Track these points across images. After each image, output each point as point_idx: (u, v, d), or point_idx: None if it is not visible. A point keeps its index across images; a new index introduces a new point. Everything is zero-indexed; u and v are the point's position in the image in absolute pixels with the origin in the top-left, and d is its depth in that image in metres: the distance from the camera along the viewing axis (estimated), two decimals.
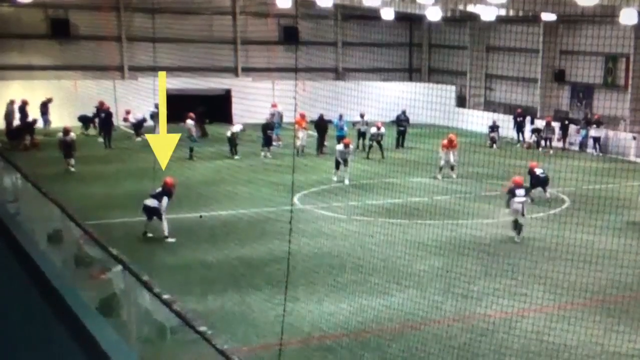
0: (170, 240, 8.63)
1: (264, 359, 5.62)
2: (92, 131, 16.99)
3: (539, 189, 10.97)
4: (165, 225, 8.67)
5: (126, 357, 1.33)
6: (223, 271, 7.72)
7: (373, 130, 14.96)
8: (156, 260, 7.55)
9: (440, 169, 13.08)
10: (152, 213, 8.69)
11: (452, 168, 13.25)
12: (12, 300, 1.94)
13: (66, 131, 12.90)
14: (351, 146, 12.89)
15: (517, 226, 8.83)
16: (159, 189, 8.81)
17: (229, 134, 14.83)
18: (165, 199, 8.72)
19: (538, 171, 11.11)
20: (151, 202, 8.69)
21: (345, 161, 12.39)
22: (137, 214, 9.26)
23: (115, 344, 1.34)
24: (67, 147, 12.77)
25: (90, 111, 17.16)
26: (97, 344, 1.33)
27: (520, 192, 8.98)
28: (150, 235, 8.76)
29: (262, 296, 6.88)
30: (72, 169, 12.75)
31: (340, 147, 12.64)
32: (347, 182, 12.25)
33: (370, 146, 14.95)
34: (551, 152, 15.84)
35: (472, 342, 5.95)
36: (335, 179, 12.48)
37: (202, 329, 4.38)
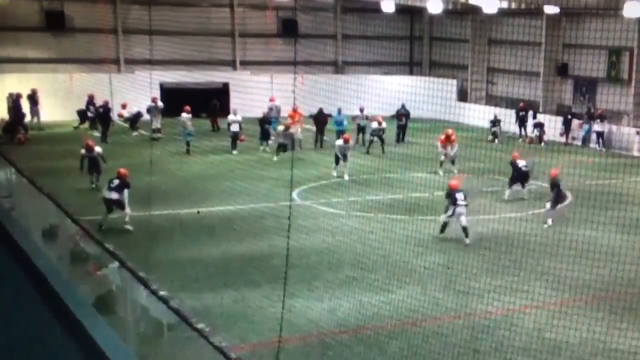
0: (128, 227, 8.70)
1: (263, 356, 5.55)
2: (84, 126, 16.78)
3: (518, 184, 10.46)
4: (128, 211, 8.81)
5: (123, 354, 1.26)
6: (221, 267, 7.64)
7: (374, 125, 14.80)
8: (153, 257, 7.47)
9: (441, 164, 12.98)
10: (114, 205, 8.86)
11: (452, 162, 13.14)
12: (6, 297, 1.86)
13: (90, 148, 11.03)
14: (351, 142, 12.78)
15: (445, 227, 8.59)
16: (117, 181, 9.00)
17: (232, 128, 14.59)
18: (126, 191, 8.91)
19: (520, 163, 10.50)
20: (113, 195, 8.85)
21: (345, 156, 12.27)
22: (133, 209, 9.17)
23: (111, 341, 1.27)
24: (93, 163, 11.00)
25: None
26: (93, 341, 1.26)
27: (459, 195, 8.65)
28: (129, 227, 8.80)
29: (260, 293, 6.80)
30: (94, 185, 10.97)
31: (339, 142, 12.52)
32: (346, 177, 12.14)
33: (371, 141, 14.78)
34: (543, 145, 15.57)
35: (473, 339, 5.89)
36: (335, 174, 12.35)
37: (200, 326, 4.31)
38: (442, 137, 13.15)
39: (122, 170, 9.24)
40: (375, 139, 14.67)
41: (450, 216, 8.68)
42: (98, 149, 11.14)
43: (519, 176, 10.53)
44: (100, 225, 8.71)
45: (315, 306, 6.53)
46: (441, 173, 12.79)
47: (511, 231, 8.74)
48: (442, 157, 13.01)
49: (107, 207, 8.85)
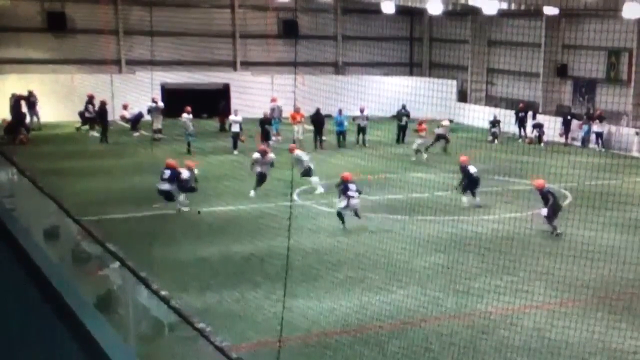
0: (184, 209, 9.50)
1: (263, 356, 5.57)
2: (85, 127, 16.70)
3: (469, 192, 9.96)
4: (182, 198, 9.52)
5: (124, 354, 1.28)
6: (222, 267, 7.67)
7: (446, 123, 15.04)
8: (154, 256, 7.49)
9: (426, 149, 13.86)
10: (165, 195, 9.44)
11: (415, 152, 13.81)
12: (8, 297, 1.88)
13: (190, 167, 9.98)
14: (296, 152, 11.09)
15: (342, 217, 8.84)
16: (168, 172, 9.47)
17: (233, 129, 14.65)
18: (185, 172, 9.56)
19: (472, 169, 9.98)
20: (165, 186, 9.40)
21: (306, 171, 10.70)
22: (134, 209, 9.21)
23: (112, 340, 1.30)
24: (182, 182, 9.78)
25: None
26: (95, 341, 1.28)
27: (352, 186, 8.82)
28: (185, 209, 9.53)
29: (261, 293, 6.82)
30: (185, 209, 9.79)
31: (298, 154, 10.87)
32: (319, 190, 10.66)
33: (438, 140, 14.86)
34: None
35: (473, 339, 5.91)
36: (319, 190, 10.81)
37: (201, 325, 4.33)
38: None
39: (171, 162, 9.73)
40: (442, 139, 14.88)
41: (345, 208, 8.83)
42: (191, 171, 9.83)
43: (471, 183, 9.97)
44: (178, 210, 9.51)
45: (316, 306, 6.55)
46: (424, 157, 13.53)
47: (511, 231, 8.75)
48: (418, 145, 13.92)
49: (163, 196, 9.50)
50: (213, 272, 7.51)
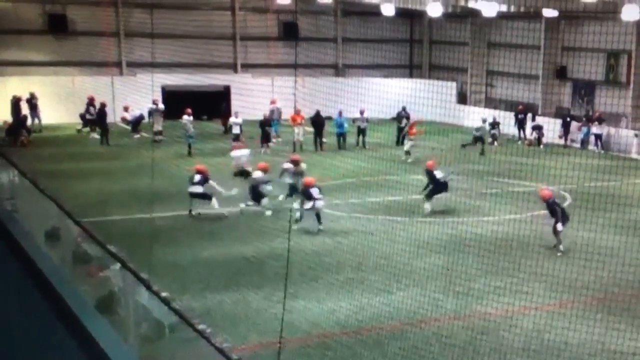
0: (224, 213, 9.55)
1: (263, 357, 5.58)
2: (85, 129, 16.75)
3: (440, 195, 9.63)
4: (215, 203, 9.55)
5: (125, 356, 1.29)
6: (222, 269, 7.68)
7: (479, 125, 15.20)
8: (154, 258, 7.50)
9: (409, 152, 14.03)
10: (198, 197, 9.65)
11: (406, 153, 13.92)
12: (8, 299, 1.90)
13: (265, 168, 9.49)
14: (234, 152, 11.65)
15: (300, 217, 9.00)
16: (198, 176, 9.65)
17: (233, 131, 14.77)
18: (211, 182, 9.67)
19: (438, 174, 9.78)
20: (197, 189, 9.61)
21: (242, 172, 10.43)
22: (135, 211, 9.22)
23: (113, 342, 1.31)
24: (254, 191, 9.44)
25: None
26: (95, 343, 1.30)
27: (314, 190, 8.96)
28: (200, 212, 9.62)
29: (261, 294, 6.84)
30: (269, 213, 9.46)
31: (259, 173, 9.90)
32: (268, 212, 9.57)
33: (484, 142, 15.05)
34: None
35: (473, 340, 5.92)
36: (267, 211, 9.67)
37: (201, 327, 4.36)
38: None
39: (200, 166, 9.96)
40: (488, 138, 15.10)
41: (309, 209, 8.98)
42: (265, 172, 9.45)
43: (438, 187, 9.80)
44: (190, 211, 9.64)
45: (316, 307, 6.56)
46: (409, 160, 13.63)
47: (510, 233, 8.76)
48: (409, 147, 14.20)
49: (192, 199, 9.69)
50: (213, 273, 7.52)
